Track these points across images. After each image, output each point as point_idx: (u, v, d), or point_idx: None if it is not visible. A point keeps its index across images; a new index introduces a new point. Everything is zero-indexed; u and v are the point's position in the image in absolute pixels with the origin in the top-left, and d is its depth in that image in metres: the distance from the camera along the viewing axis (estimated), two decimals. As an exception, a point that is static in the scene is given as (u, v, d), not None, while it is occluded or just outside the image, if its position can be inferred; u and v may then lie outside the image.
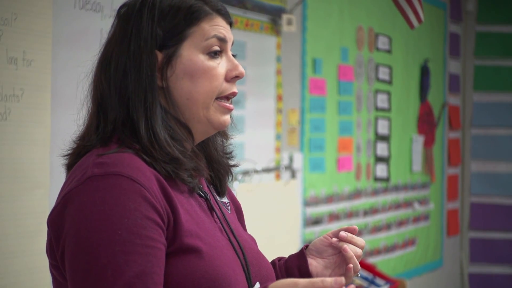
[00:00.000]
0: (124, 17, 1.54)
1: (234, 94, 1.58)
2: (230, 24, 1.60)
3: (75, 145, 1.54)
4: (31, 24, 2.58)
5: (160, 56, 1.51)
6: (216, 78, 1.54)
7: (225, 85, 1.55)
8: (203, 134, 1.59)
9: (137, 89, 1.49)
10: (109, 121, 1.49)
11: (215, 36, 1.54)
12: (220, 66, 1.55)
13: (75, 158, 1.52)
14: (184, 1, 1.53)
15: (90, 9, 2.83)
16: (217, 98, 1.55)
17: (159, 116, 1.49)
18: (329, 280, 1.34)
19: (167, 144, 1.48)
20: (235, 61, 1.58)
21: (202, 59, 1.53)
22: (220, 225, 1.57)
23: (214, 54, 1.54)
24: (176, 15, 1.52)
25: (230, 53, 1.58)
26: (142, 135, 1.47)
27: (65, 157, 1.56)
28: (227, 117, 1.58)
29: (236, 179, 3.59)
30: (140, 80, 1.49)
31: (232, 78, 1.56)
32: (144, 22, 1.51)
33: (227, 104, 1.57)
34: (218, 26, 1.55)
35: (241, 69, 1.57)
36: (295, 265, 1.76)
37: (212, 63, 1.53)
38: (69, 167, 1.54)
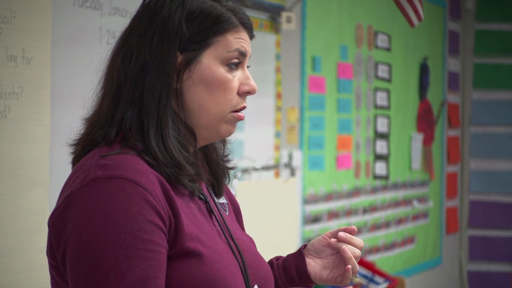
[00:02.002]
0: (151, 10, 1.52)
1: (243, 108, 1.57)
2: (251, 38, 1.60)
3: (80, 135, 1.53)
4: (30, 22, 2.58)
5: (180, 57, 1.50)
6: (231, 91, 1.53)
7: (237, 99, 1.55)
8: (206, 141, 1.58)
9: (152, 87, 1.47)
10: (117, 117, 1.48)
11: (237, 49, 1.53)
12: (236, 79, 1.54)
13: (80, 151, 1.52)
14: (214, 8, 1.52)
15: (90, 6, 2.83)
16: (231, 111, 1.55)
17: (169, 118, 1.48)
18: None
19: (174, 148, 1.47)
20: (249, 75, 1.57)
21: (221, 70, 1.52)
22: (219, 228, 1.57)
23: (232, 66, 1.53)
24: (205, 21, 1.51)
25: (246, 67, 1.57)
26: (150, 135, 1.46)
27: (72, 146, 1.55)
28: (235, 127, 1.58)
29: (235, 177, 3.59)
30: (157, 78, 1.48)
31: (244, 93, 1.56)
32: (171, 20, 1.49)
33: (240, 114, 1.57)
34: (241, 40, 1.54)
35: (253, 84, 1.56)
36: (293, 265, 1.76)
37: (230, 75, 1.53)
38: (74, 162, 1.53)
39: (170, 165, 1.46)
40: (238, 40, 1.54)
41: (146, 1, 1.55)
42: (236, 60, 1.54)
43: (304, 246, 1.79)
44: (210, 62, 1.52)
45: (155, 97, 1.47)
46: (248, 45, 1.57)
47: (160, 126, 1.47)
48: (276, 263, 1.79)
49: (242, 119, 1.58)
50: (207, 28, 1.51)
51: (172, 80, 1.49)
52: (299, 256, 1.77)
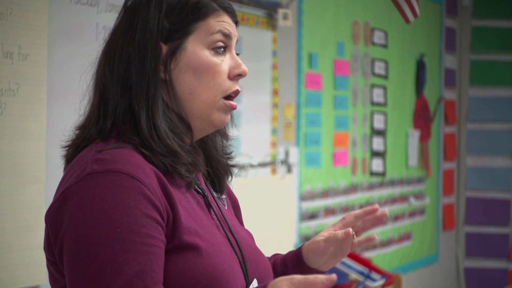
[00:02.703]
0: (131, 8, 1.54)
1: (237, 92, 1.58)
2: (236, 23, 1.60)
3: (74, 136, 1.54)
4: (27, 18, 2.58)
5: (164, 48, 1.51)
6: (219, 75, 1.54)
7: (228, 83, 1.55)
8: (202, 132, 1.58)
9: (140, 79, 1.49)
10: (109, 113, 1.49)
11: (220, 31, 1.54)
12: (224, 63, 1.55)
13: (74, 150, 1.52)
14: None
15: (86, 3, 2.83)
16: (223, 98, 1.55)
17: (160, 108, 1.49)
18: (321, 277, 1.33)
19: (167, 136, 1.48)
20: (239, 59, 1.57)
21: (207, 54, 1.53)
22: (218, 222, 1.57)
23: (218, 50, 1.54)
24: (184, 9, 1.52)
25: (234, 51, 1.58)
26: (142, 126, 1.47)
27: (65, 148, 1.55)
28: (227, 116, 1.58)
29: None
30: (144, 70, 1.49)
31: (235, 76, 1.56)
32: (151, 14, 1.51)
33: (232, 102, 1.57)
34: (223, 22, 1.55)
35: (244, 67, 1.57)
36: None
37: (216, 59, 1.54)
38: (68, 160, 1.54)
39: (166, 153, 1.47)
40: (220, 22, 1.55)
41: (127, 4, 1.56)
42: (221, 44, 1.55)
43: (301, 247, 1.79)
44: (194, 48, 1.52)
45: (143, 89, 1.48)
46: (233, 28, 1.58)
47: (152, 116, 1.48)
48: (274, 263, 1.80)
49: (235, 108, 1.58)
50: (187, 16, 1.52)
51: (159, 71, 1.50)
52: (302, 267, 1.77)
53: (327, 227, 1.80)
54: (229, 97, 1.57)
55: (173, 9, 1.52)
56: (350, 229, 1.70)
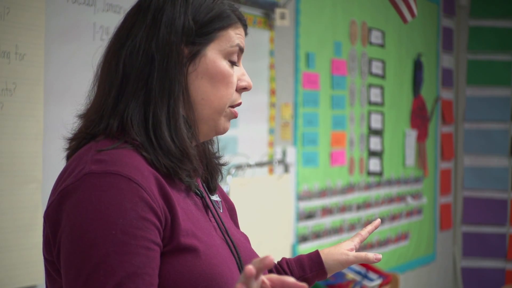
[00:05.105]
0: (155, 5, 1.53)
1: (239, 104, 1.61)
2: (246, 35, 1.63)
3: (77, 129, 1.53)
4: (24, 18, 2.57)
5: (185, 51, 1.52)
6: (232, 85, 1.57)
7: (235, 94, 1.59)
8: (205, 137, 1.60)
9: (163, 80, 1.49)
10: (119, 110, 1.48)
11: (238, 45, 1.57)
12: (235, 74, 1.58)
13: (76, 145, 1.52)
14: (217, 5, 1.56)
15: (83, 3, 2.83)
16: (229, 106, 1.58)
17: (180, 111, 1.50)
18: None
19: (186, 139, 1.49)
20: (245, 72, 1.61)
21: (224, 64, 1.55)
22: (215, 223, 1.58)
23: (233, 62, 1.57)
24: (209, 16, 1.54)
25: (241, 64, 1.61)
26: (162, 126, 1.47)
27: (68, 141, 1.55)
28: (229, 125, 1.61)
29: (229, 174, 3.59)
30: (168, 71, 1.49)
31: (241, 88, 1.59)
32: (176, 13, 1.52)
33: (236, 110, 1.60)
34: (240, 36, 1.58)
35: (249, 79, 1.60)
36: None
37: (231, 70, 1.56)
38: (68, 156, 1.53)
39: (178, 155, 1.47)
40: (238, 35, 1.58)
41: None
42: (236, 56, 1.58)
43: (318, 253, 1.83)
44: (214, 55, 1.54)
45: (166, 88, 1.49)
46: (244, 41, 1.60)
47: (174, 117, 1.49)
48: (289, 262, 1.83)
49: (237, 117, 1.61)
50: (212, 23, 1.54)
51: (183, 74, 1.51)
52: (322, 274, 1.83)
53: (346, 241, 1.87)
54: (232, 106, 1.60)
55: (199, 14, 1.53)
56: (380, 256, 1.81)
